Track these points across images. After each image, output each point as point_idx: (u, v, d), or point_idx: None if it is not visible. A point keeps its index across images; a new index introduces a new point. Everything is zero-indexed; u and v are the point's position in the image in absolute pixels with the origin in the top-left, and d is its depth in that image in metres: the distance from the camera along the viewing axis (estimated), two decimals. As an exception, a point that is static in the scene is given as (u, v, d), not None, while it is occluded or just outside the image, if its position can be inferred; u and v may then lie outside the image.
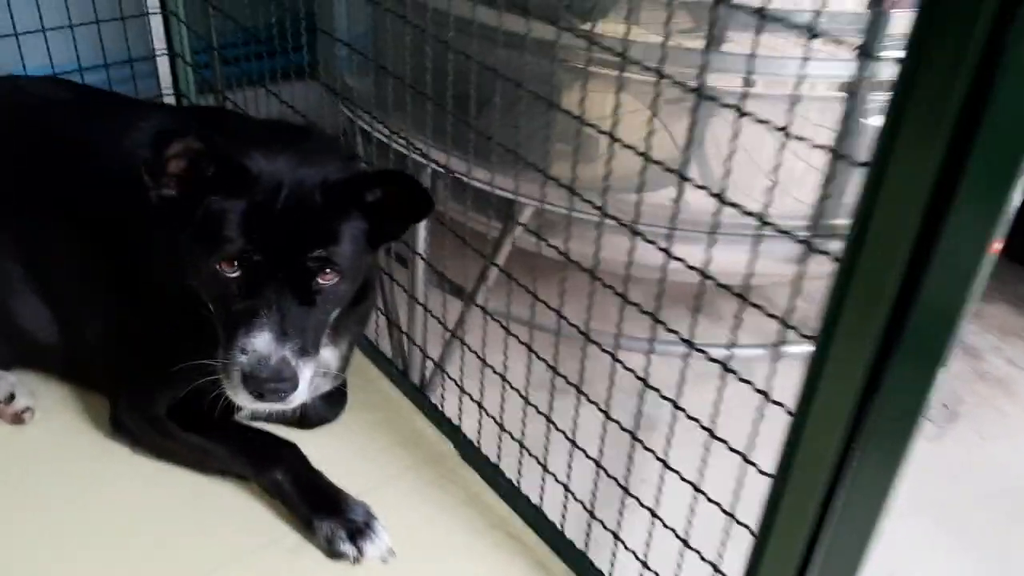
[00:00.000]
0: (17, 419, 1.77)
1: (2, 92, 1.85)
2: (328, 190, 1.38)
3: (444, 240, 1.68)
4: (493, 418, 1.64)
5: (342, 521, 1.55)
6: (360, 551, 1.53)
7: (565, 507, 1.54)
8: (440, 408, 1.84)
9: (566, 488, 1.51)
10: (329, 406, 1.82)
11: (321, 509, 1.57)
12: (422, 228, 1.74)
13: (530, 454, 1.58)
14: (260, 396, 1.35)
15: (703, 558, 1.26)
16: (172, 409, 1.66)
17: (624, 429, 1.34)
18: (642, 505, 1.36)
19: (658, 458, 1.30)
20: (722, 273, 1.18)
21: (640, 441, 1.33)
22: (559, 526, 1.57)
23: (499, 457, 1.68)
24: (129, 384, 1.71)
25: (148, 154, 1.34)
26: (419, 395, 1.89)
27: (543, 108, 1.40)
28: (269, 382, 1.34)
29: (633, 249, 1.23)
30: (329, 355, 1.69)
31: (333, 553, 1.54)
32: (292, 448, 1.65)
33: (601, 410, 1.37)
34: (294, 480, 1.60)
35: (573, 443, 1.46)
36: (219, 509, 1.62)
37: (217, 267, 1.36)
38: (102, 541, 1.55)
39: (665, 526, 1.33)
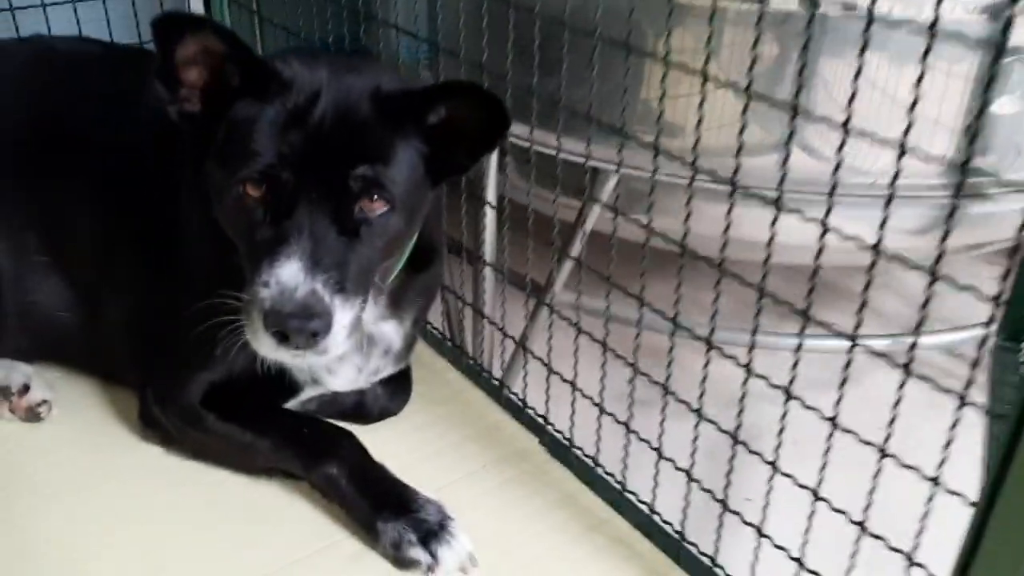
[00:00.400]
0: (32, 414, 1.52)
1: (30, 50, 1.66)
2: (381, 101, 1.15)
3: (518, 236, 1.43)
4: (590, 399, 1.36)
5: (412, 522, 1.27)
6: (435, 557, 1.24)
7: (686, 503, 1.24)
8: (522, 398, 1.56)
9: (689, 477, 1.22)
10: (392, 395, 1.55)
11: (386, 508, 1.29)
12: (492, 168, 1.47)
13: (640, 438, 1.29)
14: (284, 339, 1.09)
15: (893, 547, 0.96)
16: (208, 398, 1.40)
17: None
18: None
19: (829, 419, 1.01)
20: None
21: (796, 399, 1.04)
22: (678, 527, 1.28)
23: (598, 450, 1.40)
24: (160, 369, 1.45)
25: (156, 55, 1.11)
26: (495, 385, 1.62)
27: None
28: (293, 318, 1.08)
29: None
30: (392, 331, 1.44)
31: (401, 560, 1.25)
32: (349, 437, 1.38)
33: (743, 365, 1.08)
34: (352, 475, 1.32)
35: (699, 414, 1.17)
36: (264, 514, 1.35)
37: (241, 188, 1.13)
38: (130, 554, 1.29)
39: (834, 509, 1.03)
